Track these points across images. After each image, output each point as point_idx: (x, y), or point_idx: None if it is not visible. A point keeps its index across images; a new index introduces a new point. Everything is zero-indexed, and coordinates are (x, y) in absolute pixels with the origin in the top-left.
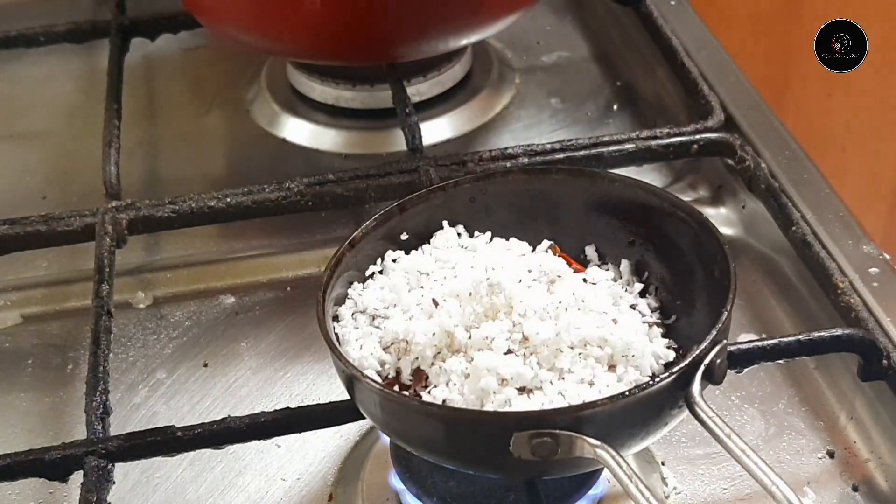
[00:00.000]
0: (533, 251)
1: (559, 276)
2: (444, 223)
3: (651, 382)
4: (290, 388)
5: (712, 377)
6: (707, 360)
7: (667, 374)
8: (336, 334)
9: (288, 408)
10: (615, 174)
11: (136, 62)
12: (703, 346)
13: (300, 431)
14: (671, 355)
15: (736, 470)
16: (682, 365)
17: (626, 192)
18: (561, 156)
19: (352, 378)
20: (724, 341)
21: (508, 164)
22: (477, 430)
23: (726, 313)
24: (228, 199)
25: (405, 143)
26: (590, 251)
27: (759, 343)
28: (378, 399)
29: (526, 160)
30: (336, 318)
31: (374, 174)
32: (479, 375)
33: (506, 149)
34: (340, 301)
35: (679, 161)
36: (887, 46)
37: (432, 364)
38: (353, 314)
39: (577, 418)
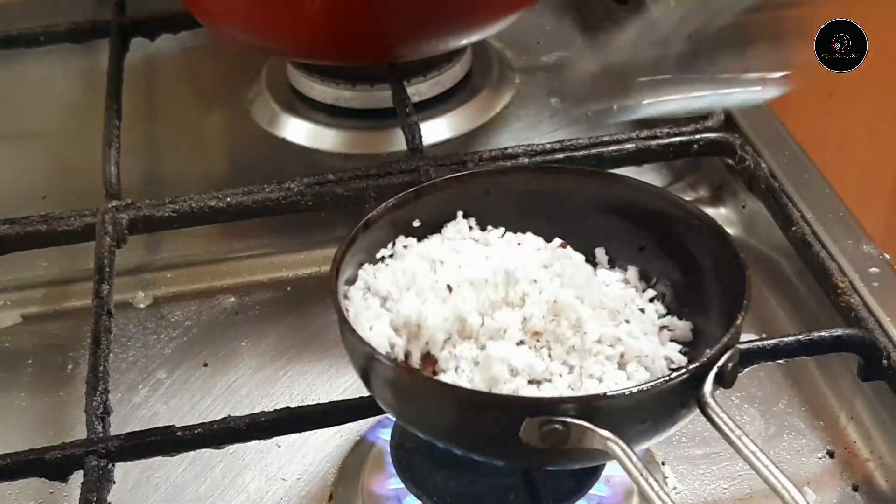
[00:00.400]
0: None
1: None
2: (459, 213)
3: (667, 378)
4: (290, 388)
5: (723, 380)
6: (720, 363)
7: (683, 370)
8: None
9: (288, 408)
10: (632, 179)
11: (136, 62)
12: (717, 346)
13: (300, 431)
14: (683, 360)
15: (736, 470)
16: (698, 363)
17: (640, 196)
18: (561, 156)
19: (364, 355)
20: (737, 346)
21: (509, 164)
22: (489, 412)
23: (741, 318)
24: (228, 199)
25: (405, 143)
26: (599, 254)
27: (759, 343)
28: (390, 376)
29: (526, 160)
30: (346, 298)
31: (374, 174)
32: (490, 363)
33: (506, 149)
34: (350, 282)
35: (679, 161)
36: (887, 46)
37: (443, 349)
38: (363, 295)
39: (591, 408)
